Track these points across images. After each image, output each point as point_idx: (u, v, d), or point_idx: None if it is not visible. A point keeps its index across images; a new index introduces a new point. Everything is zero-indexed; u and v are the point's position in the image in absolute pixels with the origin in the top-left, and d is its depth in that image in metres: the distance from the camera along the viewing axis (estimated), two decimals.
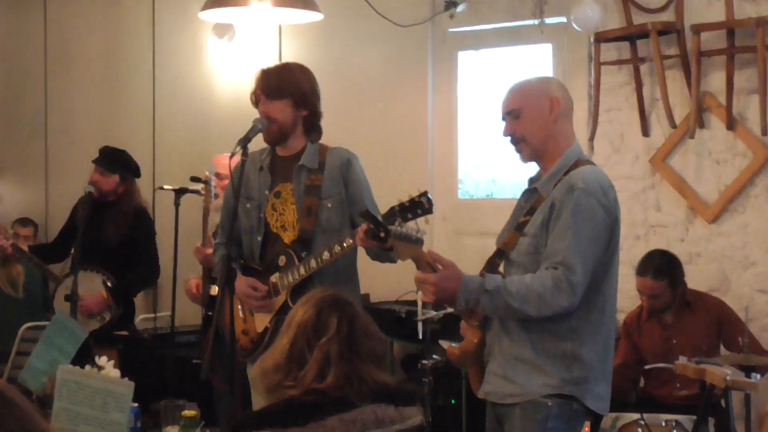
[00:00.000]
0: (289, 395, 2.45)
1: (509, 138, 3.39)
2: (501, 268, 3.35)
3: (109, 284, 5.62)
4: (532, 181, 3.47)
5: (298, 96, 4.00)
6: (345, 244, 3.78)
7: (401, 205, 3.51)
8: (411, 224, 3.15)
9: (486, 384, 3.35)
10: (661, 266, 4.79)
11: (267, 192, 4.07)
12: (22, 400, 1.62)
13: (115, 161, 5.79)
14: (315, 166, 4.01)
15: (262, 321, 4.06)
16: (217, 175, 4.92)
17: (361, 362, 2.50)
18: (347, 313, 2.53)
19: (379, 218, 3.21)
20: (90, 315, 5.56)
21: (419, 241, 3.11)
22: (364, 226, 3.65)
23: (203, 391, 4.84)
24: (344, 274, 4.00)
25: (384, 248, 3.26)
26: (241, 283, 4.02)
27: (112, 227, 5.71)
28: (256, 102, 4.05)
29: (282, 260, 3.99)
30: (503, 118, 3.41)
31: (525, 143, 3.35)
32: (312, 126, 4.07)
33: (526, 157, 3.40)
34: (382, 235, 3.12)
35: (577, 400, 3.21)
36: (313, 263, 3.87)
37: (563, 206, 3.18)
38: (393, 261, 3.91)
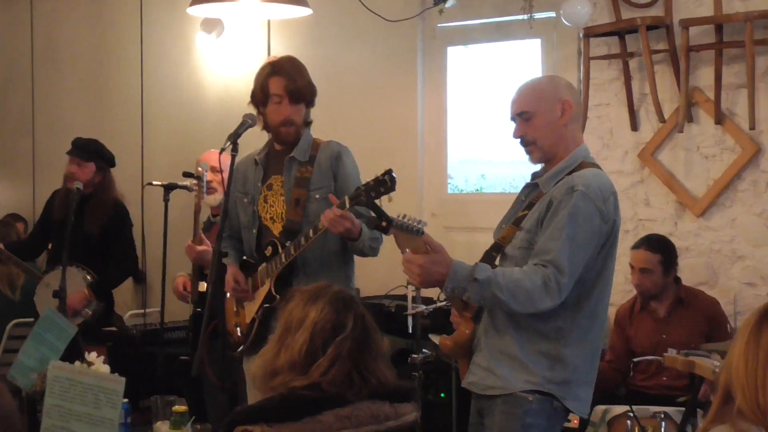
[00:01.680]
0: (291, 386, 2.46)
1: (520, 139, 3.39)
2: (497, 261, 3.36)
3: (89, 279, 5.61)
4: (534, 176, 3.46)
5: (311, 98, 4.11)
6: (319, 228, 3.79)
7: (366, 184, 3.59)
8: (412, 216, 3.13)
9: (470, 374, 3.38)
10: (657, 241, 4.96)
11: (260, 185, 4.10)
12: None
13: (90, 150, 5.79)
14: (305, 159, 4.04)
15: (250, 312, 4.10)
16: (212, 169, 4.91)
17: (372, 358, 2.54)
18: (360, 311, 2.58)
19: (382, 209, 3.23)
20: (73, 313, 5.54)
21: (420, 233, 3.11)
22: (334, 208, 3.69)
23: (193, 387, 4.83)
24: (328, 262, 4.01)
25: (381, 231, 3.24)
26: (228, 275, 4.06)
27: (91, 219, 5.69)
28: (264, 101, 4.05)
29: (269, 251, 4.02)
30: (513, 119, 3.40)
31: (535, 146, 3.35)
32: (307, 119, 4.16)
33: (536, 159, 3.41)
34: (384, 224, 3.14)
35: (558, 399, 3.22)
36: (292, 250, 3.91)
37: (561, 206, 3.18)
38: (365, 254, 3.95)
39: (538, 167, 3.46)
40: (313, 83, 4.13)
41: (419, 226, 3.10)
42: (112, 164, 5.92)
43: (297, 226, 3.97)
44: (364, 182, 3.68)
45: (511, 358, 3.25)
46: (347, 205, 3.68)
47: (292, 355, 2.50)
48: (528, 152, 3.39)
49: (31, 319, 5.76)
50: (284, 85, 4.01)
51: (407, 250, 3.17)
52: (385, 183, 3.56)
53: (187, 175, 5.01)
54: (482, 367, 3.31)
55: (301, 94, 4.04)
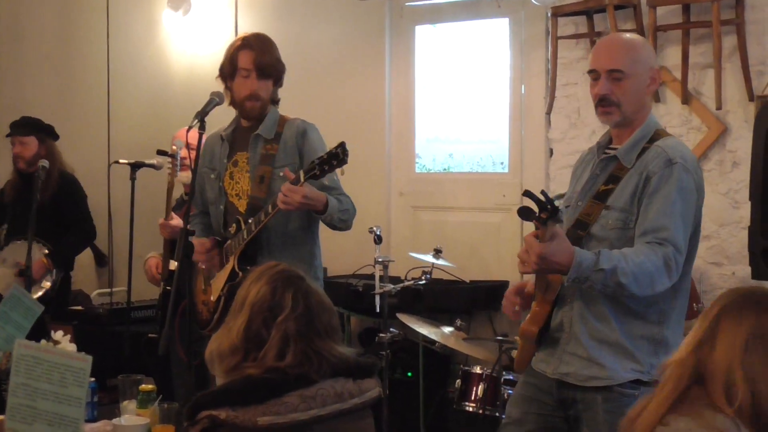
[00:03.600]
0: (248, 373, 2.44)
1: (601, 97, 3.18)
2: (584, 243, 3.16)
3: (46, 251, 5.59)
4: (600, 146, 3.30)
5: (280, 75, 4.11)
6: (277, 202, 3.78)
7: (319, 158, 3.60)
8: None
9: (564, 365, 3.17)
10: None
11: (225, 161, 4.10)
12: None
13: (27, 125, 5.80)
14: (271, 136, 4.05)
15: (216, 290, 4.10)
16: (188, 146, 4.89)
17: (319, 338, 2.48)
18: (301, 289, 2.51)
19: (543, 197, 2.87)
20: (32, 281, 5.52)
21: (561, 221, 2.99)
22: (286, 183, 3.68)
23: (161, 365, 4.82)
24: (292, 238, 4.01)
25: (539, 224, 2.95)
26: (196, 246, 4.07)
27: (42, 191, 5.67)
28: (231, 74, 4.04)
29: (233, 228, 4.02)
30: (593, 73, 3.21)
31: (618, 108, 3.17)
32: (275, 97, 4.16)
33: (612, 122, 3.22)
34: (544, 215, 2.87)
35: None
36: (252, 227, 3.92)
37: (662, 180, 3.05)
38: (336, 227, 3.96)
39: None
40: (283, 62, 4.12)
41: (560, 215, 2.94)
42: (54, 136, 5.89)
43: (261, 203, 3.97)
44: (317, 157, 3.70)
45: (614, 345, 3.09)
46: (302, 179, 3.68)
47: (231, 337, 2.47)
48: (606, 113, 3.19)
49: None
50: (253, 58, 4.01)
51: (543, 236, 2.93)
52: (337, 156, 3.57)
53: (161, 153, 4.99)
54: (580, 357, 3.14)
55: (269, 69, 4.04)
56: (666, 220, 3.02)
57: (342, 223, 3.97)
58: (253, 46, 4.05)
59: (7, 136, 5.83)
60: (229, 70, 4.07)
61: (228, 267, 4.04)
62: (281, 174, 3.97)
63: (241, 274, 3.93)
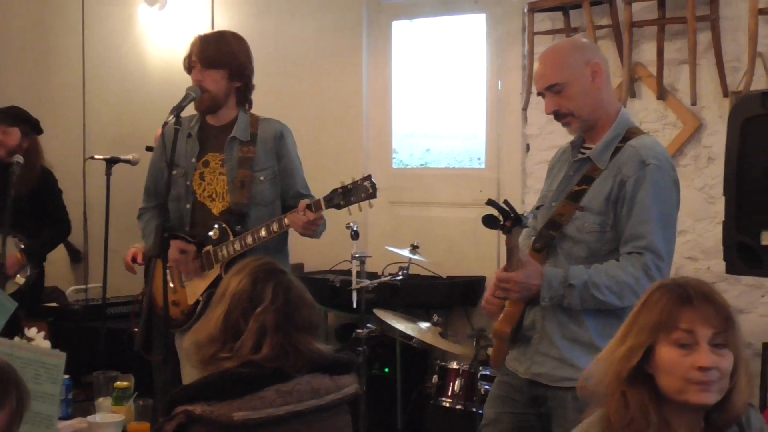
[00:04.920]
0: (224, 367, 2.43)
1: (554, 114, 3.21)
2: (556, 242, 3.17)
3: (21, 246, 5.55)
4: (575, 146, 3.29)
5: (234, 68, 4.00)
6: (284, 224, 3.77)
7: (344, 187, 3.54)
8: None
9: (536, 365, 3.17)
10: None
11: (194, 160, 4.05)
12: None
13: (13, 115, 5.73)
14: (247, 138, 4.01)
15: (194, 293, 4.04)
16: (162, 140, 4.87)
17: (297, 332, 2.49)
18: (282, 283, 2.52)
19: (504, 206, 2.95)
20: (5, 277, 5.47)
21: (526, 225, 3.00)
22: (302, 206, 3.65)
23: (139, 361, 4.80)
24: (273, 246, 3.99)
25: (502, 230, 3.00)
26: (172, 248, 3.99)
27: (21, 184, 5.62)
28: (189, 68, 4.02)
29: (216, 233, 3.96)
30: (541, 94, 3.24)
31: (573, 117, 3.17)
32: (244, 98, 4.09)
33: (575, 131, 3.23)
34: (508, 224, 2.92)
35: None
36: (249, 240, 3.87)
37: (637, 185, 3.03)
38: (317, 237, 3.93)
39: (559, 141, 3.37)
40: (240, 56, 4.01)
41: (525, 215, 2.97)
42: (38, 130, 5.84)
43: (242, 208, 3.94)
44: (340, 184, 3.63)
45: (587, 346, 3.07)
46: (323, 208, 3.65)
47: (209, 327, 2.48)
48: (565, 125, 3.22)
49: None
50: (198, 49, 3.98)
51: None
52: (366, 189, 3.54)
53: (149, 149, 4.96)
54: (552, 357, 3.13)
55: (211, 59, 3.94)
56: (643, 228, 3.02)
57: (316, 235, 3.95)
58: (205, 38, 4.01)
59: None
60: (186, 66, 4.04)
61: (212, 274, 3.98)
62: (261, 178, 3.95)
63: None
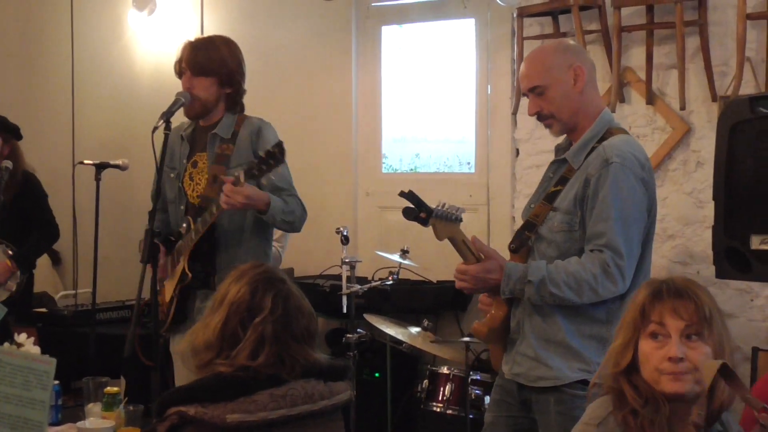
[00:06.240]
0: (219, 371, 2.43)
1: (536, 115, 3.26)
2: (532, 243, 3.22)
3: (10, 252, 5.54)
4: (559, 149, 3.34)
5: (224, 74, 4.01)
6: (220, 205, 3.76)
7: (258, 158, 3.58)
8: (451, 204, 3.10)
9: (516, 365, 3.21)
10: None
11: (185, 161, 4.07)
12: None
13: None
14: (228, 136, 4.02)
15: (169, 290, 4.07)
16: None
17: (295, 342, 2.49)
18: (282, 292, 2.51)
19: (420, 198, 3.11)
20: None
21: (458, 220, 3.07)
22: (226, 184, 3.66)
23: (132, 366, 4.78)
24: (246, 237, 3.99)
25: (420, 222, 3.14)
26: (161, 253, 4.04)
27: (3, 190, 5.60)
28: (179, 73, 4.02)
29: (183, 228, 4.00)
30: (525, 95, 3.29)
31: (554, 119, 3.23)
32: (235, 103, 4.09)
33: (557, 133, 3.28)
34: (423, 215, 3.06)
35: None
36: (199, 226, 3.89)
37: (599, 183, 3.06)
38: (281, 228, 3.94)
39: (556, 140, 3.36)
40: (231, 62, 4.02)
41: (457, 213, 3.05)
42: (18, 136, 5.83)
43: (211, 202, 3.94)
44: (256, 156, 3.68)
45: (560, 345, 3.11)
46: (242, 180, 3.65)
47: (207, 334, 2.48)
48: (547, 126, 3.27)
49: None
50: (188, 56, 3.98)
51: (446, 239, 3.12)
52: (274, 155, 3.56)
53: None
54: (529, 357, 3.17)
55: (201, 66, 3.95)
56: (602, 226, 3.04)
57: (285, 224, 3.94)
58: (195, 44, 4.01)
59: None
60: (177, 71, 4.05)
61: (179, 268, 4.01)
62: (235, 174, 3.97)
63: (190, 275, 3.92)
